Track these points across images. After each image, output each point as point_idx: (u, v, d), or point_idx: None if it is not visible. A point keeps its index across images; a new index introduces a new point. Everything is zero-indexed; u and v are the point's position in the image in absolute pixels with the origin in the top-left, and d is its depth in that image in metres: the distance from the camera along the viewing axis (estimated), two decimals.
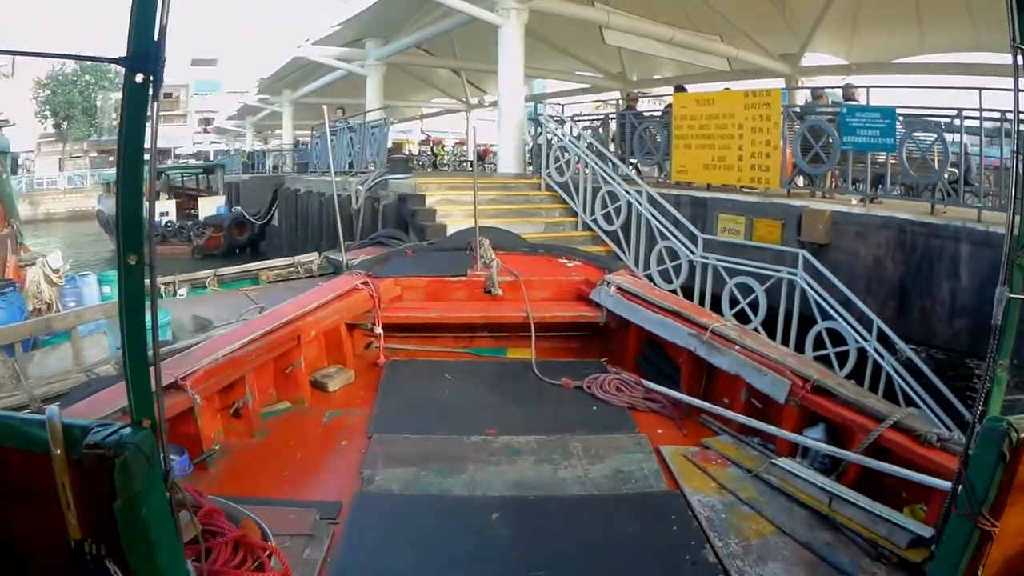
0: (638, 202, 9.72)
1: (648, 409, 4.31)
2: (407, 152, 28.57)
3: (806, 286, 7.50)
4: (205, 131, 66.84)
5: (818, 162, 9.09)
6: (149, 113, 1.70)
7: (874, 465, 3.10)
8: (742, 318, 7.92)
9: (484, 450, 3.73)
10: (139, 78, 1.69)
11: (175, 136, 70.13)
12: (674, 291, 8.57)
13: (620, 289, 5.23)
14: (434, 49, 21.93)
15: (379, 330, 5.22)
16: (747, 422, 3.80)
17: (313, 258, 10.56)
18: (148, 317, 1.76)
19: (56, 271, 8.52)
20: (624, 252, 10.07)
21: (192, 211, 26.04)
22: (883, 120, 8.20)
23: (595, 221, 10.79)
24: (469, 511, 3.17)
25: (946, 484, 2.73)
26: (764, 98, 9.61)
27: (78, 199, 48.63)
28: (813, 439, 3.47)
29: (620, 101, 15.10)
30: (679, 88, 12.84)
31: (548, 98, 27.01)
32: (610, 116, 14.27)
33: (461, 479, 3.42)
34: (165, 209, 25.63)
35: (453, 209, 10.64)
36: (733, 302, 8.18)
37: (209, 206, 25.95)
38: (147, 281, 1.72)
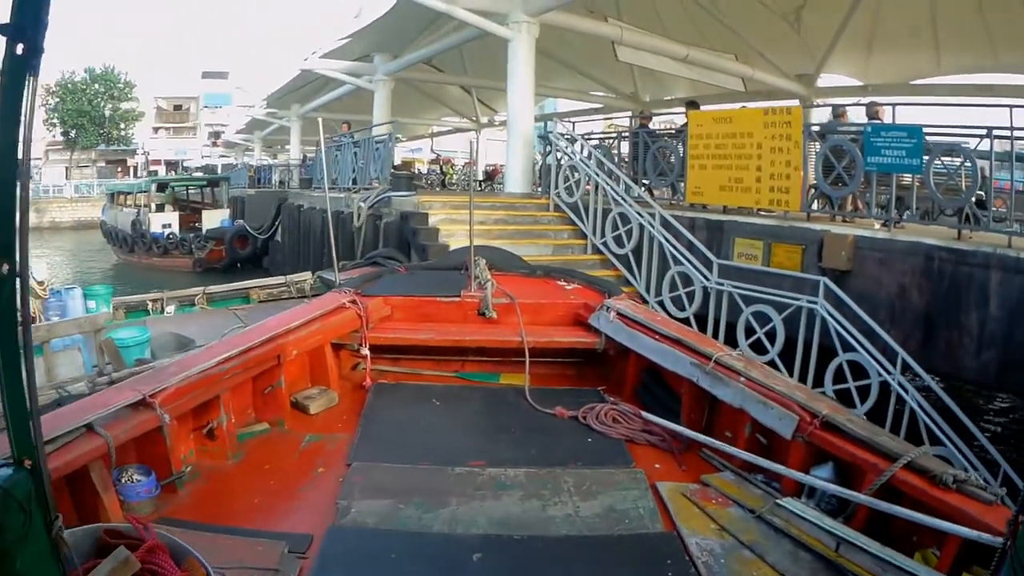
0: (650, 225, 9.54)
1: (646, 442, 4.17)
2: (416, 170, 28.71)
3: (827, 315, 7.30)
4: (214, 144, 67.75)
5: (840, 184, 8.91)
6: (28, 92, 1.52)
7: (885, 508, 2.97)
8: (758, 349, 7.77)
9: (469, 483, 3.60)
10: (20, 49, 1.49)
11: (184, 148, 71.29)
12: (687, 319, 8.45)
13: (620, 315, 5.10)
14: (444, 66, 22.07)
15: (366, 351, 5.11)
16: (751, 459, 3.66)
17: (306, 277, 10.70)
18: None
19: (41, 283, 8.58)
20: (635, 277, 9.87)
21: (196, 224, 26.50)
22: (909, 139, 8.00)
23: (605, 244, 10.58)
24: (449, 550, 3.04)
25: (961, 530, 2.65)
26: (784, 116, 9.39)
27: (85, 208, 49.71)
28: (821, 478, 3.33)
29: (633, 119, 15.00)
30: (691, 104, 12.68)
31: (558, 117, 27.09)
32: (622, 134, 14.16)
33: (442, 514, 3.29)
34: (168, 221, 26.10)
35: (457, 228, 10.44)
36: (749, 331, 7.98)
37: (213, 219, 26.42)
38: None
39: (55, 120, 60.94)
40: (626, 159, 13.31)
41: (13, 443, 1.63)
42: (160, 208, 27.51)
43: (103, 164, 65.73)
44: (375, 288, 5.80)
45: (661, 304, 9.17)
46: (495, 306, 5.49)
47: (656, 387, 4.82)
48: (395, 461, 3.86)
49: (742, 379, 3.93)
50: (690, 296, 8.75)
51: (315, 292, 10.05)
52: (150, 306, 9.68)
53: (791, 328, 7.59)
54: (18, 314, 1.56)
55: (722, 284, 8.34)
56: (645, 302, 9.36)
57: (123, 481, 3.20)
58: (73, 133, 60.93)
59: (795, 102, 17.35)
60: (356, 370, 5.35)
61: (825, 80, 18.85)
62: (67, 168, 62.58)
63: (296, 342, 4.59)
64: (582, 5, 14.64)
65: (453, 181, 29.36)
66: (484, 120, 30.77)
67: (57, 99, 60.23)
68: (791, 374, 7.44)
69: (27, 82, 1.51)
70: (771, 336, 7.74)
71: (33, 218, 48.06)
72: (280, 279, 10.92)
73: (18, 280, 1.53)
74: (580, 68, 21.78)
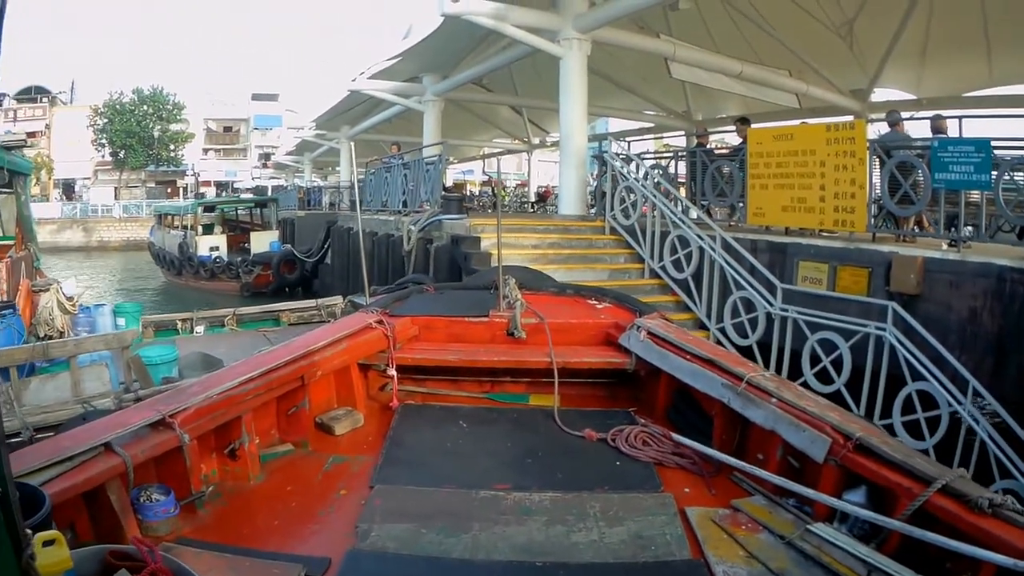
0: (711, 248, 9.57)
1: (676, 465, 4.19)
2: (468, 192, 29.01)
3: (896, 342, 7.27)
4: (265, 166, 69.29)
5: (907, 202, 8.84)
6: None
7: (918, 534, 2.96)
8: (824, 378, 7.78)
9: (493, 507, 3.63)
10: None
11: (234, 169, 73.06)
12: (749, 347, 8.52)
13: (651, 334, 5.10)
14: (494, 86, 22.54)
15: (393, 371, 5.19)
16: (782, 483, 3.66)
17: (337, 301, 11.03)
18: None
19: (70, 299, 8.91)
20: (695, 303, 9.95)
21: (245, 244, 27.15)
22: (978, 154, 7.91)
23: (663, 268, 10.73)
24: None
25: (996, 557, 2.64)
26: (848, 132, 9.36)
27: (133, 228, 51.69)
28: (853, 503, 3.33)
29: (692, 136, 15.00)
30: (743, 120, 12.66)
31: (613, 137, 27.34)
32: (679, 153, 14.15)
33: (464, 540, 3.31)
34: (216, 243, 26.75)
35: (511, 253, 10.33)
36: (814, 360, 7.95)
37: (262, 241, 26.98)
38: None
39: (103, 140, 62.76)
40: (682, 179, 13.35)
41: None
42: (208, 230, 28.21)
43: (152, 185, 67.66)
44: (403, 308, 5.89)
45: (723, 331, 9.24)
46: (524, 326, 5.54)
47: (687, 408, 4.83)
48: (418, 484, 3.91)
49: (774, 400, 3.93)
50: (753, 323, 8.75)
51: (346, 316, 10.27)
52: (179, 325, 9.98)
53: (857, 356, 7.57)
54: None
55: (786, 310, 8.33)
56: (705, 329, 9.42)
57: (142, 500, 3.28)
58: (122, 154, 62.97)
59: (849, 119, 17.33)
60: (383, 391, 5.40)
61: (878, 95, 19.01)
62: (116, 188, 64.65)
63: (322, 363, 4.66)
64: (632, 22, 14.79)
65: (506, 203, 29.59)
66: (536, 141, 31.22)
67: (105, 120, 61.99)
68: (858, 405, 7.47)
69: None
70: (837, 364, 7.71)
71: (81, 236, 50.51)
72: (311, 302, 11.26)
73: None
74: (631, 87, 22.04)
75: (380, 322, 5.30)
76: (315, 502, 3.72)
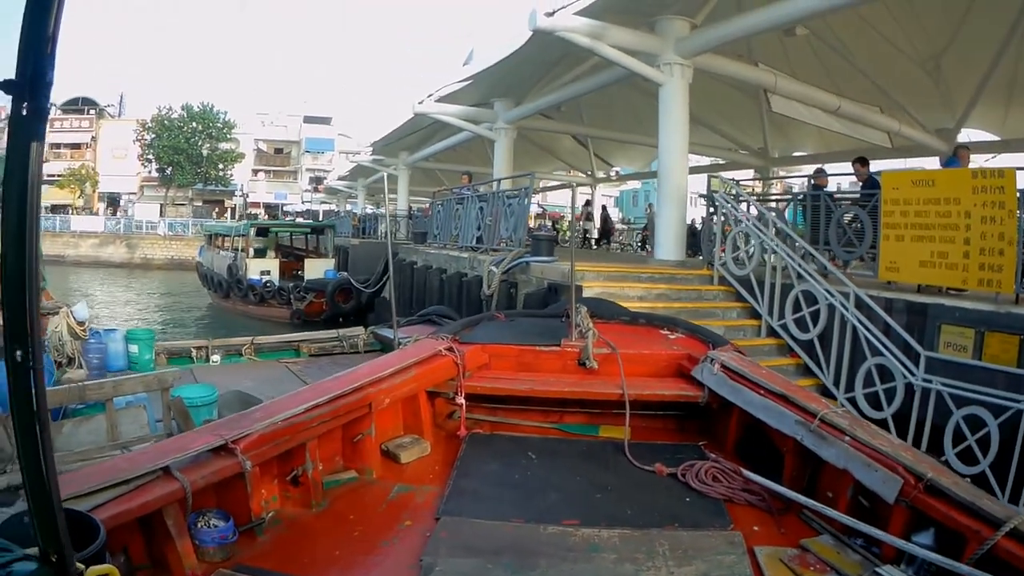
0: (843, 306, 8.90)
1: (746, 502, 4.32)
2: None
3: None
4: (316, 190, 69.78)
5: None
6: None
7: None
8: (967, 458, 7.16)
9: (561, 544, 3.70)
10: (26, 108, 1.54)
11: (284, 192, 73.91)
12: (884, 420, 7.88)
13: (724, 367, 5.21)
14: (559, 116, 21.74)
15: (461, 399, 5.28)
16: (851, 523, 3.76)
17: (359, 332, 11.04)
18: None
19: (81, 324, 8.92)
20: (821, 368, 9.25)
21: (298, 271, 26.86)
22: None
23: (784, 326, 9.97)
24: None
25: None
26: (996, 180, 8.43)
27: (178, 247, 52.52)
28: (922, 545, 3.43)
29: (808, 180, 14.01)
30: (861, 161, 11.83)
31: (722, 175, 26.84)
32: (797, 196, 13.33)
33: None
34: (267, 267, 26.43)
35: (622, 304, 9.50)
36: (957, 437, 7.30)
37: (317, 268, 26.67)
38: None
39: (150, 156, 63.54)
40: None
41: (39, 536, 1.72)
42: (260, 253, 28.28)
43: (200, 203, 68.43)
44: (472, 335, 6.03)
45: (852, 401, 8.54)
46: (596, 356, 5.66)
47: (758, 444, 4.94)
48: (485, 517, 3.99)
49: (847, 438, 4.04)
50: (889, 393, 8.12)
51: (368, 348, 10.49)
52: (194, 353, 9.98)
53: (1006, 434, 6.94)
54: (35, 404, 1.62)
55: (930, 381, 7.74)
56: (833, 398, 8.73)
57: (199, 526, 3.38)
58: (169, 170, 64.09)
59: (935, 159, 16.83)
60: (451, 419, 5.52)
61: (962, 136, 18.44)
62: (162, 205, 65.61)
63: (389, 390, 4.79)
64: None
65: (566, 238, 29.11)
66: (600, 174, 30.91)
67: (152, 135, 62.98)
68: (1003, 489, 6.89)
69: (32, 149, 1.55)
70: (982, 443, 7.10)
71: (124, 252, 51.73)
72: (332, 333, 11.21)
73: (32, 372, 1.57)
74: (705, 120, 21.19)
75: (450, 349, 5.45)
76: (378, 532, 3.82)
